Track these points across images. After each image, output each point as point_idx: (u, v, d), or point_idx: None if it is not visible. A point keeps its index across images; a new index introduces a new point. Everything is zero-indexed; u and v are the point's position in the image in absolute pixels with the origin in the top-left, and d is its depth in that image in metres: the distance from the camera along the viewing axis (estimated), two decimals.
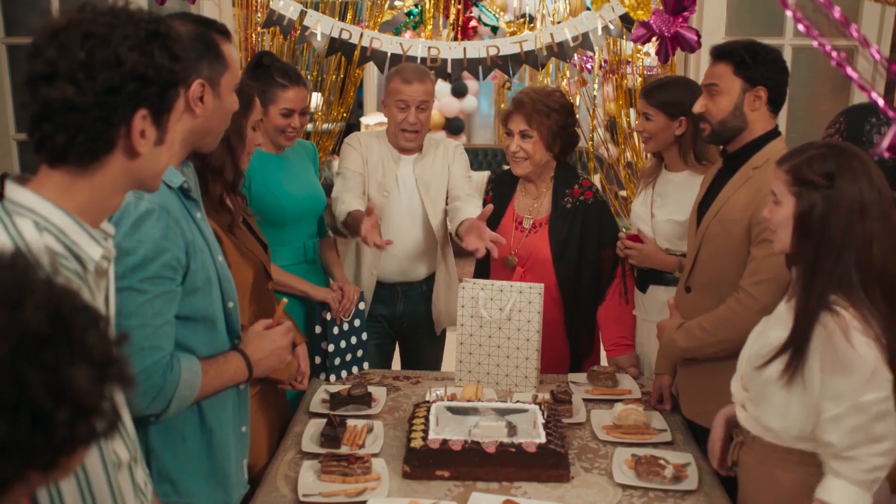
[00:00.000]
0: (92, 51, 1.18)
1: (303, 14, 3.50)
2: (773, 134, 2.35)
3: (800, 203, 1.76)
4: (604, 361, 2.94)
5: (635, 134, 4.11)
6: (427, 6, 4.31)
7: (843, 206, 1.72)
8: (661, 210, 2.78)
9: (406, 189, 3.02)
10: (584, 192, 2.90)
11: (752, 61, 2.30)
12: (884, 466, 1.70)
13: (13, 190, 1.23)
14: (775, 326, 1.85)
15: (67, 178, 1.24)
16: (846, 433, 1.69)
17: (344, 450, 2.23)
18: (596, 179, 4.93)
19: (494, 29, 5.45)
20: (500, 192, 3.03)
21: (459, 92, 8.54)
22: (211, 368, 1.73)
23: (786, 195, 1.79)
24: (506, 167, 3.10)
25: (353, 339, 2.80)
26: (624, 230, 2.92)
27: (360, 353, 2.83)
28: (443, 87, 8.31)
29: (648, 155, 3.12)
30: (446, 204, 3.05)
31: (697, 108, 2.38)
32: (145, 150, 1.26)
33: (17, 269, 0.87)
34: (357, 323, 2.80)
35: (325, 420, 2.34)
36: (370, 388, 2.58)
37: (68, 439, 0.84)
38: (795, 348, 1.74)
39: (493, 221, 2.94)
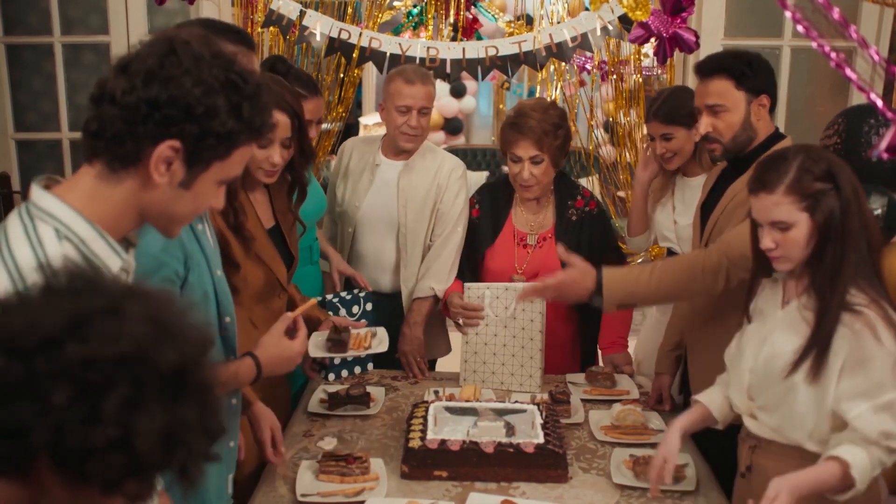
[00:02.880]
0: (162, 62, 1.18)
1: (302, 14, 3.50)
2: (778, 135, 2.34)
3: (817, 214, 1.72)
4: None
5: (637, 138, 4.11)
6: (427, 6, 4.31)
7: (851, 195, 1.72)
8: (683, 216, 2.78)
9: (385, 196, 2.91)
10: (587, 202, 2.83)
11: (751, 72, 2.26)
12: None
13: (38, 194, 1.22)
14: (780, 332, 1.82)
15: (93, 184, 1.23)
16: (877, 431, 1.67)
17: (350, 353, 2.35)
18: (594, 180, 4.95)
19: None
20: (494, 206, 2.88)
21: (458, 92, 8.53)
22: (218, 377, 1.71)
23: (796, 215, 1.73)
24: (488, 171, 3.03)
25: None
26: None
27: (363, 353, 2.80)
28: (441, 87, 8.31)
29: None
30: (430, 224, 2.91)
31: (703, 128, 2.31)
32: (162, 182, 1.22)
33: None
34: (364, 322, 2.79)
35: (325, 334, 2.38)
36: (369, 388, 2.58)
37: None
38: (819, 351, 1.72)
39: (490, 238, 2.85)
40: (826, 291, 1.73)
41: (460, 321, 2.73)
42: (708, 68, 2.32)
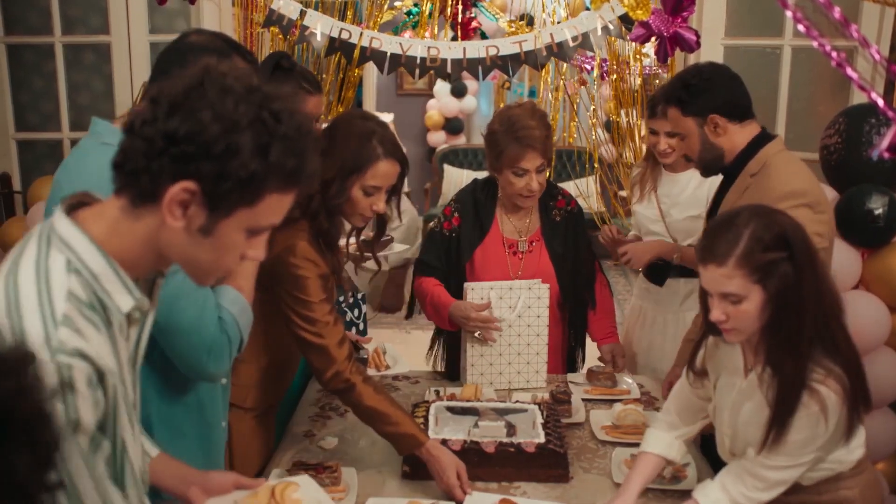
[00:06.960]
0: (188, 92, 1.09)
1: (302, 14, 3.50)
2: (762, 138, 2.29)
3: (770, 286, 1.64)
4: (589, 363, 2.93)
5: (636, 135, 4.12)
6: (426, 6, 4.31)
7: (806, 261, 1.65)
8: (675, 209, 2.78)
9: None
10: (568, 202, 2.81)
11: (689, 97, 2.25)
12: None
13: (61, 220, 1.15)
14: (748, 403, 1.79)
15: (118, 216, 1.16)
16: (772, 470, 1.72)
17: (371, 372, 2.41)
18: (594, 180, 4.95)
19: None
20: (477, 214, 2.77)
21: (459, 92, 8.53)
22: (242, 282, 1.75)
23: (748, 288, 1.64)
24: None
25: (353, 330, 2.79)
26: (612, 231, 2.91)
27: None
28: (442, 87, 8.33)
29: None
30: None
31: (679, 152, 2.35)
32: (177, 226, 1.13)
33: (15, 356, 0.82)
34: (356, 313, 2.78)
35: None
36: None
37: None
38: (779, 430, 1.70)
39: (475, 245, 2.76)
40: (784, 371, 1.68)
41: (477, 334, 2.62)
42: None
